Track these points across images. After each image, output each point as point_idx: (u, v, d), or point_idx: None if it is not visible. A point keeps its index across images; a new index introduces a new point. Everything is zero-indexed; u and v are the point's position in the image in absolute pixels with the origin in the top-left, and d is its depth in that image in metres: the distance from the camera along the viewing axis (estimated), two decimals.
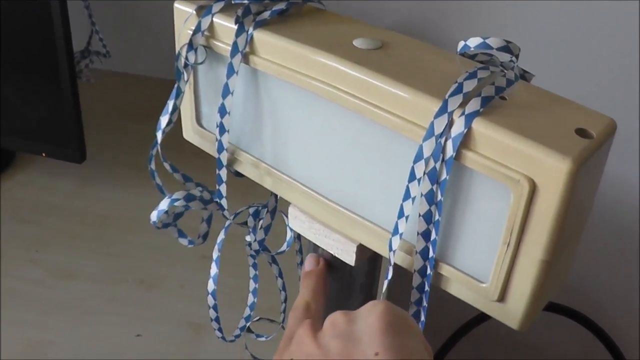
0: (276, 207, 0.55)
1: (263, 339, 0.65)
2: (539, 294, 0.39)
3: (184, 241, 0.56)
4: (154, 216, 0.52)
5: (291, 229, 0.58)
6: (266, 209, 0.56)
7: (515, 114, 0.38)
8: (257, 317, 0.65)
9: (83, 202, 1.12)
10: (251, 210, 0.56)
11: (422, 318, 0.44)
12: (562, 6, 1.07)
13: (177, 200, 0.52)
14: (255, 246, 0.56)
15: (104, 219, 1.10)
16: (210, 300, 0.57)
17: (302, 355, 0.38)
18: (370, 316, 0.36)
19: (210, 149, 0.53)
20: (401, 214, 0.41)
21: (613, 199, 1.24)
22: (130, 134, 1.30)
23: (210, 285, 0.56)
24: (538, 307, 0.40)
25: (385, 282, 0.44)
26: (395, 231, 0.42)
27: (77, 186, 1.15)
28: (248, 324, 0.63)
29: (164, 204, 0.52)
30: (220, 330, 0.59)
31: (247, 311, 0.62)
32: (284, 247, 0.59)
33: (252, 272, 0.62)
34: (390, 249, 0.42)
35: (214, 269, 0.56)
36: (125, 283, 1.00)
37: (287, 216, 0.57)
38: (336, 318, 0.38)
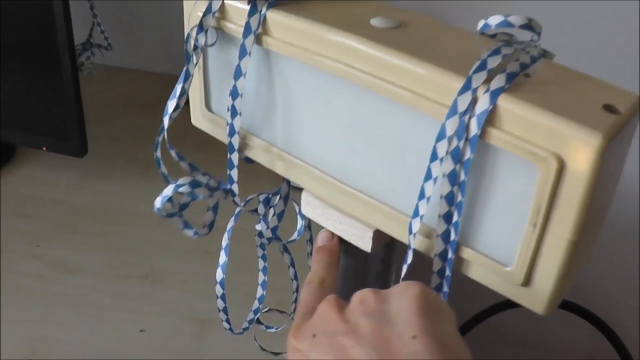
0: (289, 193, 0.54)
1: (273, 330, 0.63)
2: (564, 277, 0.38)
3: (189, 232, 0.54)
4: (158, 203, 0.50)
5: (302, 217, 0.57)
6: (277, 195, 0.55)
7: (541, 91, 0.37)
8: (267, 308, 0.64)
9: (85, 196, 1.11)
10: (262, 197, 0.55)
11: None
12: (563, 6, 1.07)
13: (182, 186, 0.50)
14: (268, 234, 0.55)
15: (106, 214, 1.09)
16: (219, 290, 0.55)
17: (327, 331, 0.36)
18: (404, 297, 0.35)
19: (220, 135, 0.52)
20: (422, 195, 0.39)
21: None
22: (133, 128, 1.29)
23: (219, 274, 0.55)
24: (562, 290, 0.39)
25: (405, 267, 0.43)
26: (416, 213, 0.40)
27: (79, 180, 1.14)
28: (257, 316, 0.61)
29: (168, 190, 0.50)
30: (228, 321, 0.58)
31: (256, 304, 0.61)
32: (295, 235, 0.57)
33: (261, 263, 0.60)
34: (410, 232, 0.41)
35: (222, 258, 0.54)
36: (129, 278, 0.99)
37: (298, 204, 0.56)
38: (365, 296, 0.37)
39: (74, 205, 1.09)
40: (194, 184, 0.50)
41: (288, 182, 0.53)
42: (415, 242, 0.42)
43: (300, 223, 0.57)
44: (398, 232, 0.44)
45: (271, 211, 0.55)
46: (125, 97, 1.37)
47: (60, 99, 0.98)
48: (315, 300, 0.41)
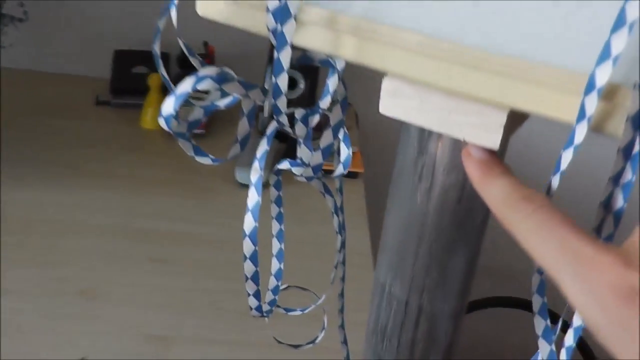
0: (347, 96, 0.40)
1: (297, 312, 0.49)
2: None
3: (204, 159, 0.38)
4: (168, 106, 0.33)
5: (348, 146, 0.43)
6: (318, 112, 0.40)
7: None
8: (285, 285, 0.49)
9: (2, 205, 0.94)
10: (298, 114, 0.40)
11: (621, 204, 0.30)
12: None
13: (204, 78, 0.34)
14: (315, 160, 0.40)
15: (28, 224, 0.92)
16: (249, 268, 0.39)
17: None
18: None
19: (248, 17, 0.37)
20: (619, 23, 0.27)
21: None
22: (48, 131, 1.15)
23: (248, 246, 0.39)
24: None
25: (568, 155, 0.30)
26: (605, 55, 0.27)
27: None
28: (277, 296, 0.46)
29: (185, 86, 0.33)
30: (259, 309, 0.42)
31: (273, 281, 0.46)
32: (341, 169, 0.43)
33: (275, 227, 0.45)
34: (590, 89, 0.28)
35: (254, 197, 0.39)
36: (63, 295, 0.83)
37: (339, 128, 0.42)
38: None
39: None
40: (221, 78, 0.35)
41: (343, 80, 0.39)
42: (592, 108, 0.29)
43: (346, 152, 0.43)
44: (551, 103, 0.31)
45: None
46: (39, 100, 1.23)
47: None
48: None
